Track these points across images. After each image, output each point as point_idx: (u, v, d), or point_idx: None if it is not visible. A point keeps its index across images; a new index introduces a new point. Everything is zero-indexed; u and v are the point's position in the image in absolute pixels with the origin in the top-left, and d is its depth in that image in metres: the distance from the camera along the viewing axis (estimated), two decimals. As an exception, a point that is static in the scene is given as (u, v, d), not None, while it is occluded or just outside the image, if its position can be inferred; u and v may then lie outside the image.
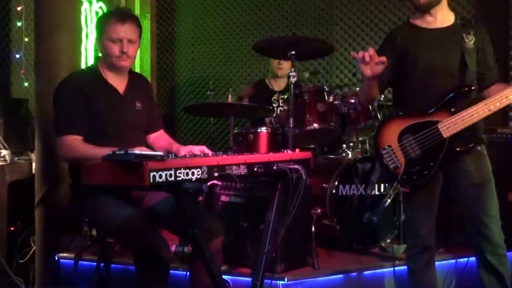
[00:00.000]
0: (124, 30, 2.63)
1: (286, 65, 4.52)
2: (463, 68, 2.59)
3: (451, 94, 2.55)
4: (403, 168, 2.62)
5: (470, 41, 2.58)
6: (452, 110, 2.53)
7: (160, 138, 2.96)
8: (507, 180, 2.71)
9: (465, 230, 2.68)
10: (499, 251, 2.59)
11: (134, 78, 2.87)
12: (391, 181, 2.80)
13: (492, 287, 2.63)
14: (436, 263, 2.85)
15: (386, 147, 2.66)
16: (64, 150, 2.58)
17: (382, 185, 3.61)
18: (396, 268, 3.17)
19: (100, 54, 2.80)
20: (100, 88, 2.70)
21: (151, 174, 1.92)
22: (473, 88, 2.54)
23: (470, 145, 2.56)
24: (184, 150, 2.64)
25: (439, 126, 2.55)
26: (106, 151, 2.09)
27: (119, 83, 2.76)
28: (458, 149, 2.56)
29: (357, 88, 4.10)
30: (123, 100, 2.75)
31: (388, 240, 3.70)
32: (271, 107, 4.30)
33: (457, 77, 2.61)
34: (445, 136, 2.54)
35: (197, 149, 2.59)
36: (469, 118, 2.48)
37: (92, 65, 2.85)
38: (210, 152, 2.46)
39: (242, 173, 2.28)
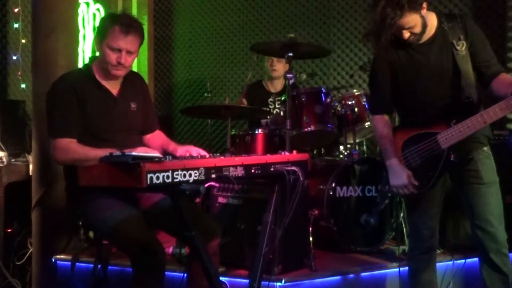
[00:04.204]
0: (126, 42, 2.56)
1: (279, 66, 4.50)
2: (458, 75, 2.58)
3: (450, 107, 2.58)
4: None
5: (461, 47, 2.55)
6: (453, 122, 2.55)
7: (156, 137, 2.91)
8: (504, 183, 2.71)
9: (461, 231, 2.68)
10: (502, 250, 2.60)
11: (129, 78, 2.78)
12: None
13: (494, 287, 2.64)
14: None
15: None
16: (61, 152, 2.55)
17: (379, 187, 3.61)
18: (401, 269, 3.15)
19: (96, 54, 2.74)
20: (93, 90, 2.65)
21: (148, 175, 1.93)
22: (471, 99, 2.55)
23: (469, 157, 2.58)
24: (181, 149, 2.63)
25: (438, 137, 2.58)
26: (104, 152, 2.09)
27: (113, 84, 2.71)
28: (455, 160, 2.58)
29: (354, 90, 4.11)
30: (117, 102, 2.70)
31: (386, 242, 3.70)
32: (267, 109, 4.30)
33: (455, 85, 2.59)
34: (443, 147, 2.57)
35: (195, 150, 2.59)
36: (465, 130, 2.51)
37: (85, 65, 2.78)
38: (206, 154, 2.45)
39: (239, 175, 2.28)
